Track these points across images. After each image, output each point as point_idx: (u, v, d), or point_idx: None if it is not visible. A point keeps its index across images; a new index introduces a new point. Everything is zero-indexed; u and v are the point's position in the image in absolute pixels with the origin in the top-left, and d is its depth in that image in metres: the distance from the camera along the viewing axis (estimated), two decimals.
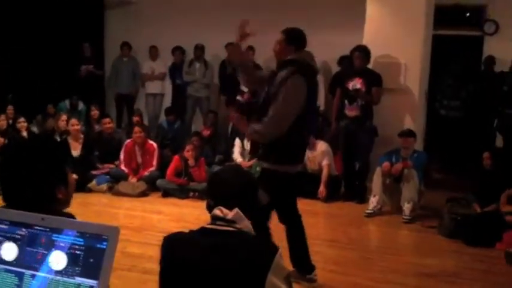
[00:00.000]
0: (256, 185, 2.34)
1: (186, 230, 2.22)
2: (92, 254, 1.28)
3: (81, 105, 9.63)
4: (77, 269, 1.28)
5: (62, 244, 1.31)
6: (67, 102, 9.59)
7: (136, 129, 7.57)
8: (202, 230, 2.17)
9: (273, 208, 3.94)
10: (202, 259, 2.07)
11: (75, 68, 9.95)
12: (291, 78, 3.72)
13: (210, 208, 2.22)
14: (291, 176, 3.94)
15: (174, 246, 2.16)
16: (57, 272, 1.30)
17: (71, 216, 1.90)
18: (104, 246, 1.27)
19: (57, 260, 1.30)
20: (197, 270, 2.06)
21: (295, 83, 3.72)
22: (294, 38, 3.94)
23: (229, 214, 2.14)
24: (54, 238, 1.32)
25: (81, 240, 1.30)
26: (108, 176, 7.44)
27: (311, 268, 4.19)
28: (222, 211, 2.16)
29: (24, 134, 7.91)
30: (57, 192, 1.86)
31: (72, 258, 1.29)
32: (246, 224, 2.17)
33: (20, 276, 1.33)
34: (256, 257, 2.05)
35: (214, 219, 2.17)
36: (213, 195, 2.24)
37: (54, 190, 1.85)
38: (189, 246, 2.14)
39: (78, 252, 1.29)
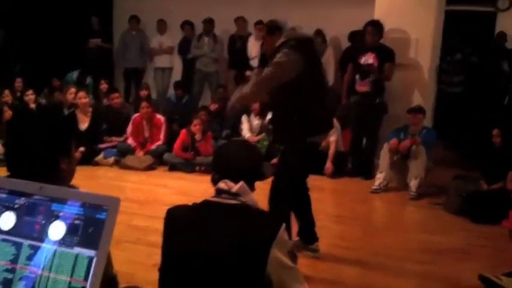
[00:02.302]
0: (261, 158, 2.32)
1: (190, 203, 2.22)
2: (92, 224, 1.26)
3: (88, 79, 9.61)
4: (75, 239, 1.26)
5: (61, 214, 1.29)
6: (75, 74, 9.55)
7: (144, 104, 7.57)
8: (206, 203, 2.17)
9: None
10: (205, 232, 2.07)
11: (83, 41, 9.92)
12: (286, 51, 3.78)
13: (214, 181, 2.21)
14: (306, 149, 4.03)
15: (177, 218, 2.16)
16: (56, 242, 1.29)
17: (74, 187, 1.90)
18: (104, 217, 1.25)
19: (56, 229, 1.29)
20: (200, 242, 2.05)
21: (290, 57, 3.77)
22: (273, 28, 4.02)
23: (234, 187, 2.13)
24: (53, 208, 1.30)
25: (80, 210, 1.28)
26: (115, 150, 7.45)
27: (315, 238, 4.29)
28: (227, 184, 2.15)
29: (33, 106, 7.92)
30: (60, 163, 1.86)
31: (71, 228, 1.28)
32: (251, 198, 2.16)
33: (18, 245, 1.32)
34: (260, 231, 2.04)
35: (219, 192, 2.17)
36: (218, 169, 2.23)
37: (57, 161, 1.86)
38: (192, 218, 2.14)
39: (77, 222, 1.28)
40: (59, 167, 1.87)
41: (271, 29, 4.01)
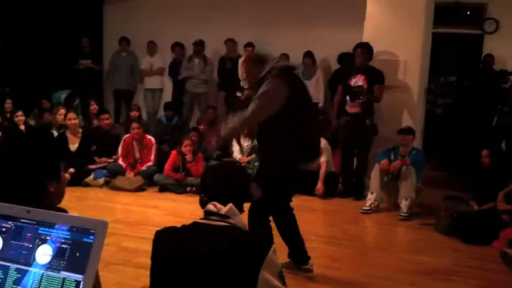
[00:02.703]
0: (249, 180, 2.33)
1: (179, 225, 2.22)
2: (79, 248, 1.25)
3: (76, 101, 9.57)
4: (62, 263, 1.26)
5: (48, 238, 1.29)
6: (62, 95, 9.51)
7: (134, 125, 7.56)
8: (195, 225, 2.16)
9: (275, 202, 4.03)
10: (194, 254, 2.06)
11: (73, 62, 9.93)
12: (269, 80, 3.85)
13: (203, 203, 2.22)
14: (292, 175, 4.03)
15: (166, 240, 2.15)
16: (43, 266, 1.28)
17: (63, 210, 1.90)
18: (91, 241, 1.25)
19: (43, 253, 1.29)
20: (189, 265, 2.05)
21: (274, 84, 3.84)
22: (257, 59, 4.12)
23: (223, 209, 2.14)
24: (40, 231, 1.30)
25: (68, 234, 1.28)
26: (105, 171, 7.41)
27: (306, 258, 4.27)
28: (215, 206, 2.15)
29: (22, 127, 7.89)
30: (48, 185, 1.86)
31: (58, 252, 1.27)
32: (239, 220, 2.16)
33: (5, 269, 1.31)
34: (249, 253, 2.03)
35: (208, 214, 2.17)
36: (207, 191, 2.23)
37: (45, 183, 1.86)
38: (181, 241, 2.13)
39: (64, 246, 1.27)
40: (48, 190, 1.87)
41: (255, 61, 4.10)
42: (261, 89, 3.84)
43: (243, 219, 2.19)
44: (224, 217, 2.13)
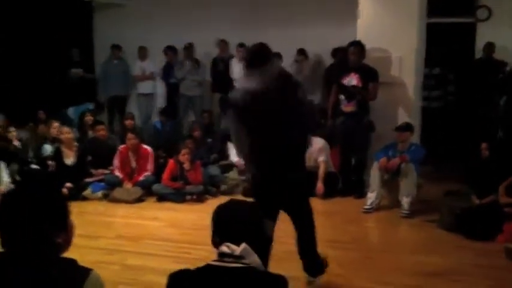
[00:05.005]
0: (261, 217, 2.28)
1: (193, 267, 2.16)
2: None
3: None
4: None
5: None
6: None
7: (130, 135, 7.47)
8: (210, 268, 2.12)
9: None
10: None
11: (65, 73, 9.83)
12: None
13: (216, 244, 2.17)
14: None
15: (181, 285, 2.11)
16: None
17: (71, 261, 1.86)
18: None
19: None
20: None
21: None
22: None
23: (237, 250, 2.10)
24: None
25: None
26: (102, 183, 7.31)
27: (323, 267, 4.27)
28: (229, 247, 2.11)
29: (16, 143, 7.78)
30: (55, 238, 1.83)
31: None
32: (254, 259, 2.12)
33: None
34: None
35: (222, 255, 2.12)
36: (219, 232, 2.18)
37: (52, 237, 1.83)
38: (196, 284, 2.09)
39: None
40: (55, 242, 1.84)
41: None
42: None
43: (257, 257, 2.15)
44: (239, 258, 2.09)
